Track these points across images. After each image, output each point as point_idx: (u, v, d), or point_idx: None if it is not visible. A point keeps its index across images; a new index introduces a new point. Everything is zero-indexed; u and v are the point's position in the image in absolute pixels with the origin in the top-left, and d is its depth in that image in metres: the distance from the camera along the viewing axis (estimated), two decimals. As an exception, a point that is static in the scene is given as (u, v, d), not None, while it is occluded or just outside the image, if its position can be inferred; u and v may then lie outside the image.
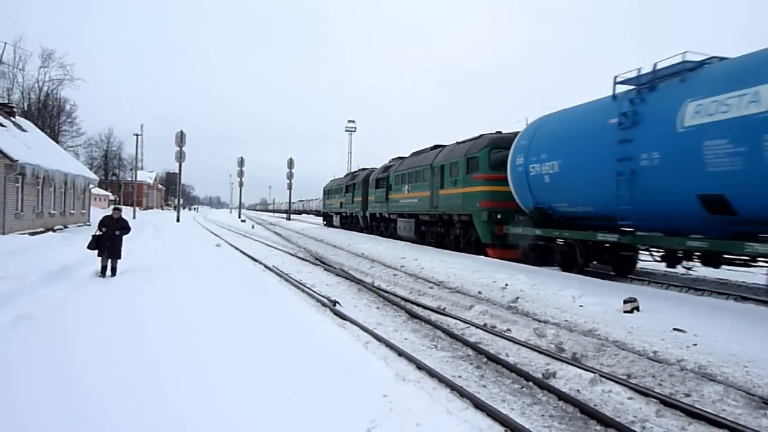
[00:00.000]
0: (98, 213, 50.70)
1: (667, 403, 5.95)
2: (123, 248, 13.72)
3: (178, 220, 48.62)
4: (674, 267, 12.66)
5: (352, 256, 19.53)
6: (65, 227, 29.41)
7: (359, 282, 13.35)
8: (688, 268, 12.49)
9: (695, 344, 7.72)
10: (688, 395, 6.27)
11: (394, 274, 14.75)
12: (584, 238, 13.73)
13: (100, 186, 66.06)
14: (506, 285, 12.26)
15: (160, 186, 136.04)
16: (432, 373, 6.62)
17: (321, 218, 50.98)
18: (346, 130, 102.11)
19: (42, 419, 4.85)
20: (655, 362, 7.17)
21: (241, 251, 20.21)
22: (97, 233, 13.22)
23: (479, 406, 5.70)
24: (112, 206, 18.43)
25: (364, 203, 31.83)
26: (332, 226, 41.73)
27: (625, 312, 9.49)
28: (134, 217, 54.70)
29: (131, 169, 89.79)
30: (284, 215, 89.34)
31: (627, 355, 7.45)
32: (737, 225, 10.32)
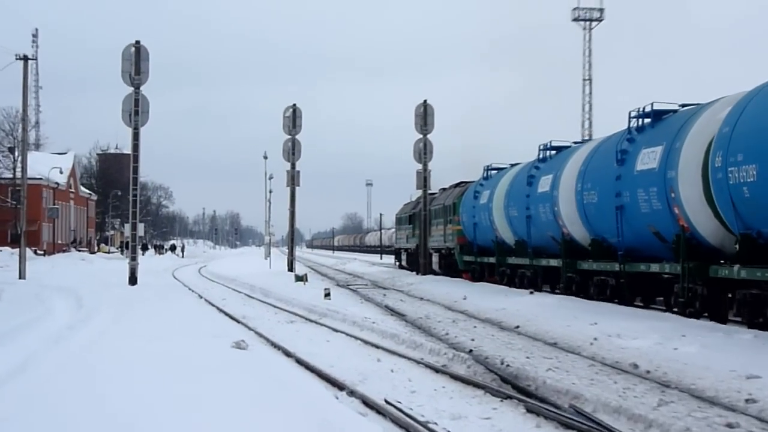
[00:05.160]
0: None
1: None
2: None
3: (132, 281, 32.94)
4: None
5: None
6: None
7: None
8: None
9: None
10: None
11: None
12: (604, 269, 24.04)
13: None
14: None
15: (85, 192, 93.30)
16: None
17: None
18: (577, 19, 68.10)
19: None
20: None
21: (314, 370, 13.89)
22: None
23: None
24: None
25: (421, 236, 44.23)
26: (402, 267, 53.98)
27: None
28: (21, 276, 37.59)
29: (11, 148, 65.73)
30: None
31: None
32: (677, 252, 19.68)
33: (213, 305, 26.44)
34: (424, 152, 42.17)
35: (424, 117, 41.95)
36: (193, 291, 33.22)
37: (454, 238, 39.66)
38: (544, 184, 27.76)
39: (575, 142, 29.01)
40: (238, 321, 21.64)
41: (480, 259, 36.18)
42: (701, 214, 19.05)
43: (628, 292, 22.94)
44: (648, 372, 13.38)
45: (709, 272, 18.71)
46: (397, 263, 57.74)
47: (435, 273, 42.03)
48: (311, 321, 21.87)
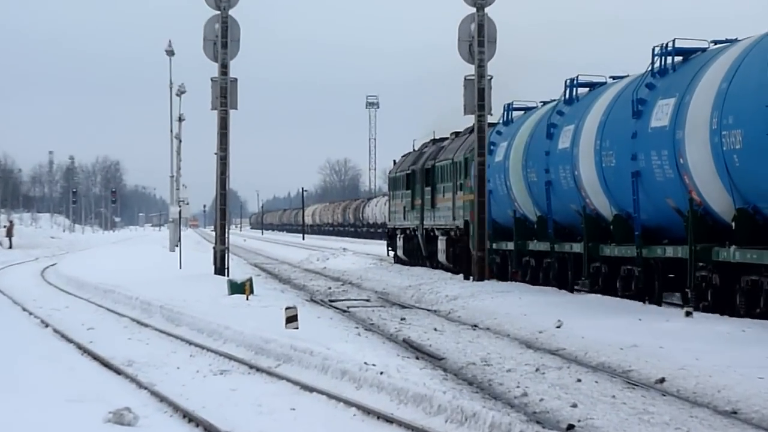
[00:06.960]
0: None
1: None
2: None
3: None
4: None
5: None
6: None
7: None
8: None
9: None
10: None
11: None
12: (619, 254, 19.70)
13: None
14: None
15: None
16: None
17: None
18: None
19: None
20: None
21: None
22: None
23: None
24: None
25: (421, 209, 32.92)
26: (399, 260, 38.44)
27: None
28: None
29: None
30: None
31: None
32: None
33: (70, 340, 16.30)
34: (478, 42, 23.89)
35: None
36: (29, 313, 21.08)
37: (464, 213, 27.57)
38: (564, 137, 21.61)
39: (612, 77, 22.00)
40: (118, 371, 13.01)
41: (497, 245, 25.83)
42: (712, 185, 16.58)
43: (648, 284, 18.63)
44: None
45: (712, 255, 16.56)
46: (392, 253, 39.92)
47: (443, 267, 30.83)
48: (261, 370, 12.88)
